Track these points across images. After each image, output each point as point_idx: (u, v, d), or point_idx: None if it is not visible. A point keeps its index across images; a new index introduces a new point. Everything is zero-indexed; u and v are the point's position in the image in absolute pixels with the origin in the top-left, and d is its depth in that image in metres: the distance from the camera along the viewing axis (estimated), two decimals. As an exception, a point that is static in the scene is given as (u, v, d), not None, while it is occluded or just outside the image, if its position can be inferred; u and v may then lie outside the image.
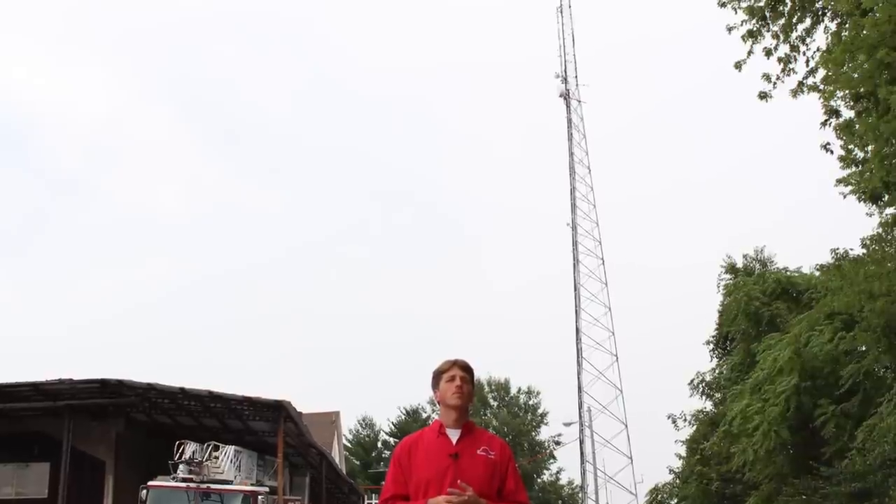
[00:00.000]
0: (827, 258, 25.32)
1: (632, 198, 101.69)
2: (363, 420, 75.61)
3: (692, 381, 33.78)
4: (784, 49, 14.24)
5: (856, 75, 13.08)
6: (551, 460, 73.98)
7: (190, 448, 22.54)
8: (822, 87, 14.20)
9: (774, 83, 14.57)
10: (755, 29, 14.30)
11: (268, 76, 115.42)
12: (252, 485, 23.00)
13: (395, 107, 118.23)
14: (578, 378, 51.02)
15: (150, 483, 21.31)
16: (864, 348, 20.20)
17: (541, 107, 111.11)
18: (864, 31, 12.37)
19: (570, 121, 55.76)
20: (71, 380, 22.39)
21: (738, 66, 14.68)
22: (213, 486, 21.52)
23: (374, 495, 50.55)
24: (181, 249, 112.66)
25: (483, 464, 4.76)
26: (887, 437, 17.82)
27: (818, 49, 14.12)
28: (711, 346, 34.50)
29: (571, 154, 55.15)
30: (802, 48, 14.17)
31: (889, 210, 16.80)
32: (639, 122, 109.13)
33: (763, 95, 14.77)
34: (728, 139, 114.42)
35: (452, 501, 4.56)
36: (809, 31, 14.01)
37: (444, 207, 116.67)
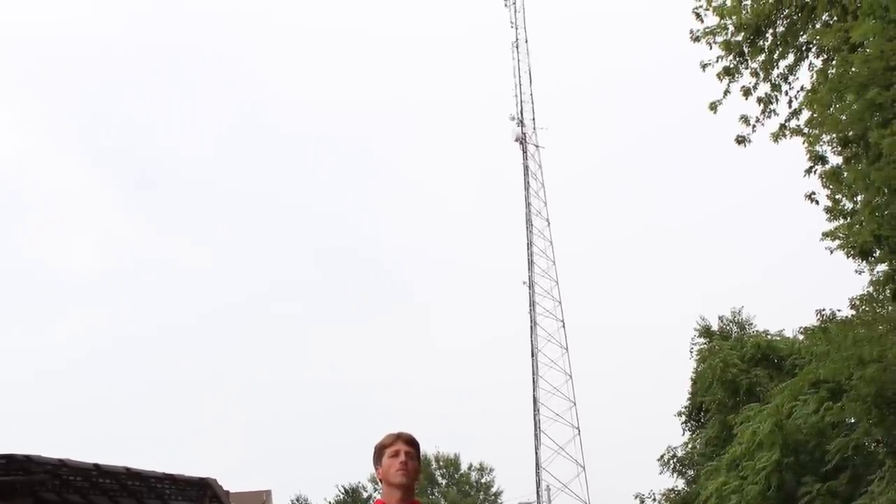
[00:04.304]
0: (812, 320, 25.19)
1: (593, 252, 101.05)
2: (297, 499, 74.04)
3: (662, 456, 33.40)
4: (764, 88, 14.15)
5: (844, 117, 12.82)
6: (507, 544, 73.33)
7: (104, 533, 21.93)
8: (806, 130, 14.02)
9: (753, 126, 14.44)
10: (732, 66, 14.19)
11: (191, 118, 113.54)
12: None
13: (331, 150, 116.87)
14: (536, 453, 50.17)
15: (57, 573, 20.62)
16: (852, 420, 19.96)
17: (494, 152, 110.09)
18: (854, 69, 12.12)
19: (526, 168, 55.03)
20: (-29, 456, 21.62)
21: (713, 107, 14.55)
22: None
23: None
24: (95, 309, 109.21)
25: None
26: (879, 518, 17.52)
27: (802, 88, 14.02)
28: (684, 417, 34.17)
29: (528, 205, 54.41)
30: (785, 87, 14.09)
31: (880, 267, 16.54)
32: (600, 168, 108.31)
33: (741, 140, 14.61)
34: (702, 188, 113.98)
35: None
36: (792, 69, 13.91)
37: (387, 263, 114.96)
